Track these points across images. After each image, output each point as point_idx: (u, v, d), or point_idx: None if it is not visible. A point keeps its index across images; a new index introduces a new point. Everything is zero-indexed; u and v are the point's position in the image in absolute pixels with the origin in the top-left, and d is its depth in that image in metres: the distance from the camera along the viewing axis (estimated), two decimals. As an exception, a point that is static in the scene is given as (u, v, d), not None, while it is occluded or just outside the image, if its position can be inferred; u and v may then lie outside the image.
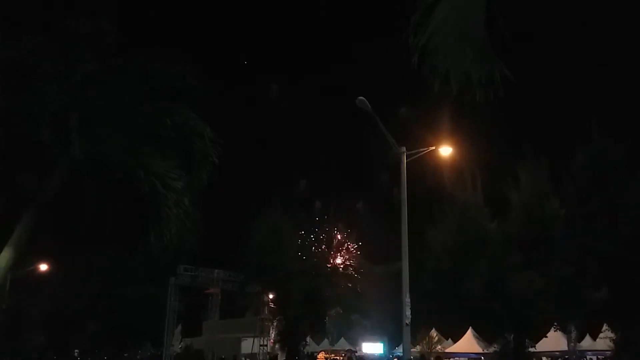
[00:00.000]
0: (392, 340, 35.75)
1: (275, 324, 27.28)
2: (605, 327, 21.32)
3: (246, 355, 33.19)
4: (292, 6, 72.22)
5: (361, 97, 15.76)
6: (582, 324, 23.09)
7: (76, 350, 34.12)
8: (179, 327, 35.83)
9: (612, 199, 14.15)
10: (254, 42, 71.19)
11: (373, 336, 36.63)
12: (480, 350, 30.70)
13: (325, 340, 39.93)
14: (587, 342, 29.71)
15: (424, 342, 35.46)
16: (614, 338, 17.74)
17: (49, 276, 29.56)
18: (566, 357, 28.63)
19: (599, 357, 29.46)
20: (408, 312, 15.79)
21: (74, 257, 24.93)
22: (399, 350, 31.35)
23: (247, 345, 33.93)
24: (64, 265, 27.45)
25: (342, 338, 40.23)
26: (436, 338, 36.54)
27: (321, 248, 24.83)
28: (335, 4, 61.56)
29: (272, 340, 30.86)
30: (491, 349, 19.55)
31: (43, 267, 29.52)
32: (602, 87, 45.82)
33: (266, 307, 28.83)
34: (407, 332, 16.31)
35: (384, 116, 16.24)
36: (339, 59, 68.70)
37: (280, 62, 68.26)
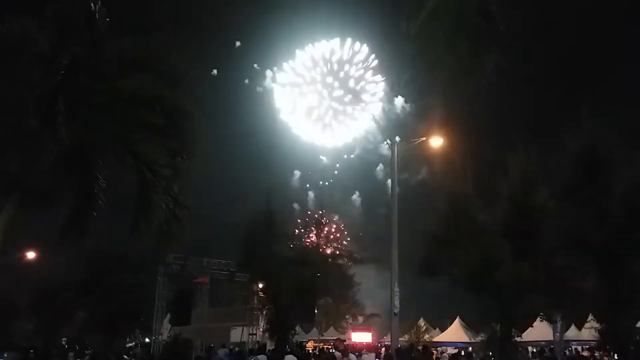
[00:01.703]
0: (381, 330, 36.00)
1: (264, 313, 27.29)
2: (590, 317, 21.53)
3: (235, 344, 33.22)
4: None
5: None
6: (569, 314, 23.31)
7: (64, 339, 33.92)
8: (168, 316, 35.77)
9: (602, 188, 14.21)
10: (245, 25, 70.52)
11: (362, 326, 36.89)
12: (467, 339, 31.03)
13: (315, 330, 40.11)
14: (572, 332, 30.10)
15: (412, 331, 35.77)
16: (599, 328, 17.89)
17: (36, 264, 29.32)
18: (551, 346, 28.97)
19: (583, 347, 29.86)
20: (397, 302, 15.89)
21: (62, 245, 24.68)
22: (387, 340, 31.56)
23: (236, 334, 34.03)
24: (51, 252, 27.22)
25: (332, 327, 40.42)
26: (424, 327, 36.90)
27: (312, 238, 24.86)
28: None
29: (261, 329, 30.93)
30: (478, 339, 19.67)
31: (30, 254, 29.26)
32: (593, 75, 46.02)
33: (255, 296, 28.85)
34: (395, 322, 16.42)
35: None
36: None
37: (271, 47, 67.68)
